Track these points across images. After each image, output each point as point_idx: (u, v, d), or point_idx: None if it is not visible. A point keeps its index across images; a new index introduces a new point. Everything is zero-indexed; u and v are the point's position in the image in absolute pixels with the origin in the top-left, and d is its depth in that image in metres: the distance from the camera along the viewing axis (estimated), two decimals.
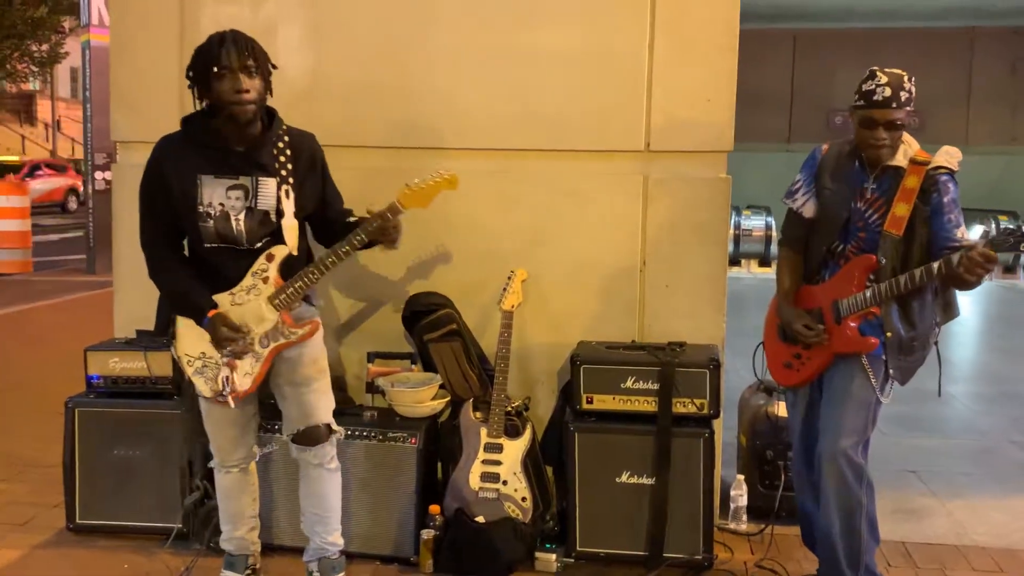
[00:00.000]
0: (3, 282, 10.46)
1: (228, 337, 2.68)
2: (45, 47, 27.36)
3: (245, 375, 2.73)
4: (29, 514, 3.65)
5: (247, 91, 2.58)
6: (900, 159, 2.71)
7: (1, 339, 7.30)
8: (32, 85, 32.30)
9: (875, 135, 2.65)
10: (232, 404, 2.74)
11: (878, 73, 2.65)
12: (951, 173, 2.69)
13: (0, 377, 5.90)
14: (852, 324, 2.74)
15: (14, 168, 22.90)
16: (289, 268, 2.74)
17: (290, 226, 2.72)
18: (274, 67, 2.71)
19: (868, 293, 2.69)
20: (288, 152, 2.73)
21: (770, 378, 3.07)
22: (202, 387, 2.75)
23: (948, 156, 2.70)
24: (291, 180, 2.72)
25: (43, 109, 35.21)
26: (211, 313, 2.69)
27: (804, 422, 2.95)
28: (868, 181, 2.76)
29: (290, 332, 2.75)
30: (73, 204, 23.81)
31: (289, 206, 2.72)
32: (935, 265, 2.57)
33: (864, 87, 2.66)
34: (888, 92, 2.61)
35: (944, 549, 3.42)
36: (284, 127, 2.77)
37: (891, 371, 2.76)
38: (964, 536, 3.54)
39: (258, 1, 3.67)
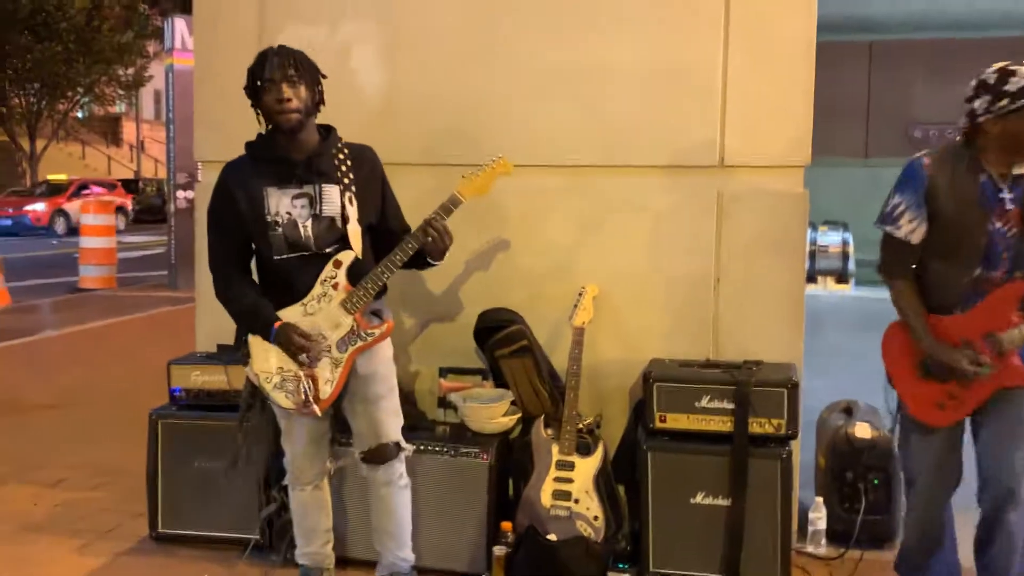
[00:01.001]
0: (90, 297, 10.89)
1: (301, 345, 2.72)
2: (131, 71, 28.54)
3: (326, 382, 2.76)
4: (114, 522, 3.76)
5: (288, 100, 2.67)
6: None
7: (89, 351, 7.59)
8: (118, 108, 33.66)
9: None
10: (319, 413, 2.77)
11: (1015, 68, 2.42)
12: None
13: (88, 388, 6.14)
14: (1016, 358, 2.54)
15: (61, 187, 23.04)
16: (357, 273, 2.77)
17: (355, 231, 2.77)
18: (323, 76, 2.80)
19: None
20: (349, 162, 2.81)
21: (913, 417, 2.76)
22: (284, 401, 2.78)
23: None
24: (353, 188, 2.79)
25: (128, 131, 36.71)
26: (277, 324, 2.74)
27: (946, 458, 2.73)
28: (1003, 192, 2.53)
29: (366, 334, 2.78)
30: (121, 223, 23.34)
31: (353, 212, 2.77)
32: None
33: (1009, 87, 2.41)
34: None
35: None
36: (342, 141, 2.85)
37: None
38: None
39: (334, 23, 3.76)
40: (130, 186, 26.91)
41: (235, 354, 3.48)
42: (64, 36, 24.68)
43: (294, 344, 2.72)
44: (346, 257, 2.76)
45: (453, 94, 3.66)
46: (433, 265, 2.91)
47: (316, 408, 2.75)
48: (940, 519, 2.79)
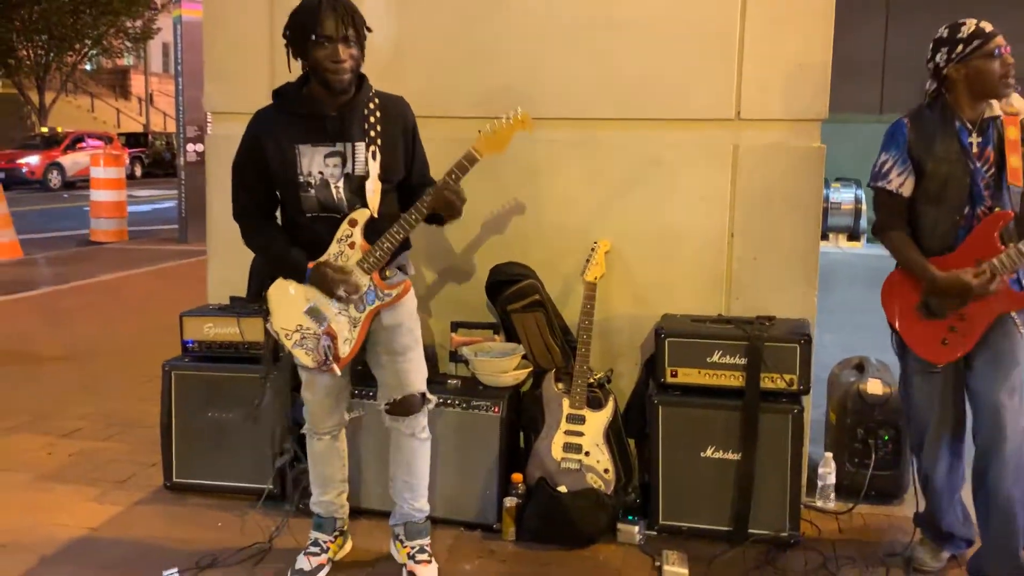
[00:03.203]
0: (101, 250, 10.92)
1: (337, 280, 2.69)
2: (139, 23, 28.28)
3: (345, 341, 2.76)
4: (129, 472, 3.81)
5: (344, 61, 2.59)
6: (997, 109, 2.74)
7: (101, 304, 7.63)
8: (126, 60, 33.44)
9: (1005, 61, 2.67)
10: (338, 371, 2.76)
11: (963, 21, 2.70)
12: None
13: (101, 341, 6.18)
14: (1007, 283, 2.67)
15: (57, 140, 22.44)
16: (373, 231, 2.73)
17: (374, 188, 2.71)
18: (369, 30, 2.71)
19: (1023, 246, 2.63)
20: (378, 114, 2.74)
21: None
22: (304, 359, 2.77)
23: None
24: (379, 141, 2.72)
25: (137, 83, 36.47)
26: (310, 265, 2.72)
27: (950, 397, 2.83)
28: (972, 135, 2.73)
29: (384, 294, 2.77)
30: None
31: (374, 168, 2.71)
32: None
33: (965, 33, 2.68)
34: (988, 24, 2.66)
35: None
36: (374, 91, 2.77)
37: None
38: None
39: None
40: (136, 139, 26.64)
41: (247, 306, 3.50)
42: None
43: (331, 280, 2.69)
44: (361, 215, 2.72)
45: (463, 47, 3.61)
46: (448, 222, 2.88)
47: (336, 367, 2.75)
48: (947, 462, 2.87)
